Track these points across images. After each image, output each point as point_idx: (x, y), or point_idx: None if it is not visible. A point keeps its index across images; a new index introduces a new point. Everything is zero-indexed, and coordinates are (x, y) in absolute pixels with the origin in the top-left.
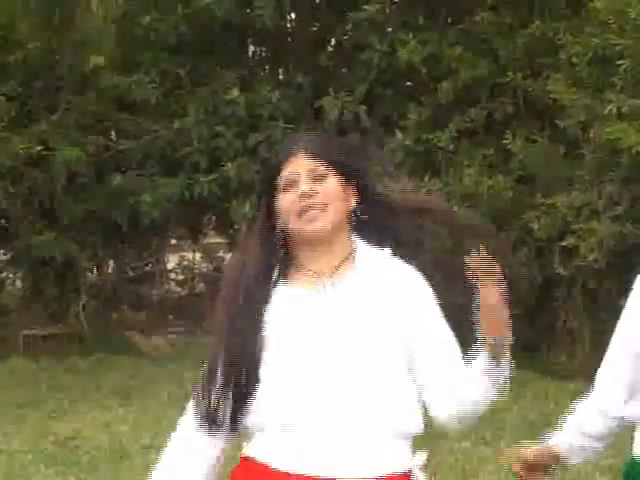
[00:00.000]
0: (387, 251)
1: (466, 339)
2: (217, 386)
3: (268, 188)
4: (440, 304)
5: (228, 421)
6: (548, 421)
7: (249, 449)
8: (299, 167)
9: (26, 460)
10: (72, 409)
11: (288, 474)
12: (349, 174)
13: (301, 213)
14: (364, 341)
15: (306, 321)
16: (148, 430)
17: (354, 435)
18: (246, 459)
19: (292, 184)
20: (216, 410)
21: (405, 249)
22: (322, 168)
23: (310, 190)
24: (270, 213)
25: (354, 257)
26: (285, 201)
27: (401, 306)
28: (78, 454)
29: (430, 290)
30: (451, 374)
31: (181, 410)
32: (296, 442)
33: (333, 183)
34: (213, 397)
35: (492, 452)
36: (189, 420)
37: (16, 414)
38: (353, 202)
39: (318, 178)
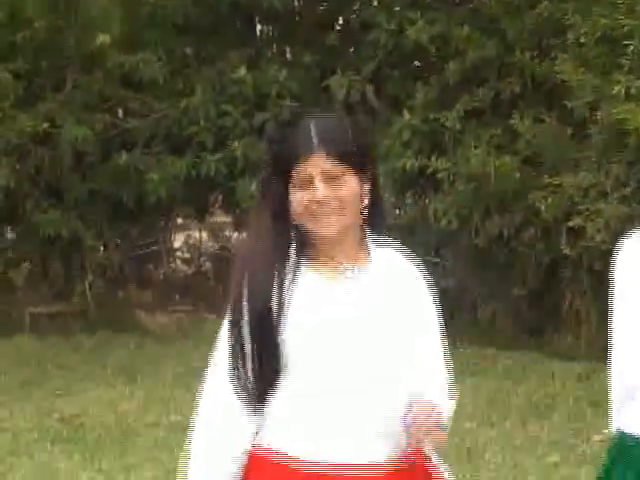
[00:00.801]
0: (391, 247)
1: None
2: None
3: (280, 178)
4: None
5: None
6: (553, 402)
7: (263, 440)
8: (314, 167)
9: (31, 438)
10: (77, 387)
11: (309, 464)
12: (365, 171)
13: (315, 216)
14: (384, 330)
15: (328, 310)
16: (154, 408)
17: (374, 421)
18: (262, 451)
19: (306, 183)
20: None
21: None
22: (339, 168)
23: (325, 196)
24: (282, 202)
25: (368, 248)
26: (298, 200)
27: (409, 300)
28: (83, 432)
29: (428, 290)
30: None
31: (186, 389)
32: (319, 431)
33: (351, 184)
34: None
35: (497, 433)
36: (223, 387)
37: (21, 392)
38: (367, 200)
39: (334, 180)
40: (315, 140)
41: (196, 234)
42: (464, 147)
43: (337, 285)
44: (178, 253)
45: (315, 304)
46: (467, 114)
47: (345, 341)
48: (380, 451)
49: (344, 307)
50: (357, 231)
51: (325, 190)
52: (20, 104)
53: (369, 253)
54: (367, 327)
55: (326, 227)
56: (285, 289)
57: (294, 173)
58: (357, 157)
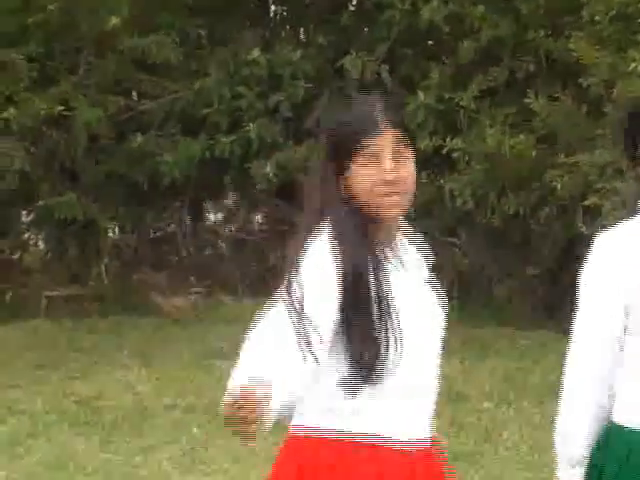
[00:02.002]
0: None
1: None
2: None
3: (343, 152)
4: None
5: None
6: None
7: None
8: (385, 143)
9: (49, 420)
10: (94, 370)
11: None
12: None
13: (383, 196)
14: (438, 308)
15: (406, 289)
16: (170, 390)
17: (432, 399)
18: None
19: (374, 158)
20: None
21: None
22: (405, 149)
23: (396, 176)
24: (338, 177)
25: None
26: (366, 177)
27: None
28: (101, 414)
29: None
30: None
31: (203, 370)
32: (404, 411)
33: (411, 164)
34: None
35: (514, 412)
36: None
37: (38, 375)
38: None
39: (401, 159)
40: (385, 118)
41: (211, 216)
42: (479, 127)
43: (397, 264)
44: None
45: (394, 284)
46: (482, 93)
47: (424, 319)
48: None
49: (415, 285)
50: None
51: (394, 167)
52: (34, 87)
53: (400, 230)
54: (429, 305)
55: (394, 206)
56: (378, 272)
57: (361, 150)
58: (412, 142)
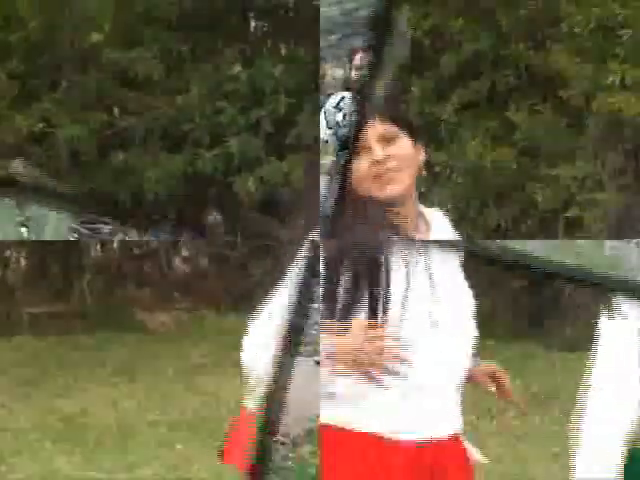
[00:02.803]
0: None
1: None
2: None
3: (345, 155)
4: None
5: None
6: (554, 393)
7: (338, 418)
8: (370, 132)
9: (32, 438)
10: (78, 387)
11: (390, 440)
12: (417, 131)
13: (374, 179)
14: (458, 305)
15: (412, 276)
16: (154, 406)
17: (448, 395)
18: (337, 428)
19: (364, 149)
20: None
21: None
22: (393, 130)
23: (382, 156)
24: (346, 178)
25: (425, 214)
26: (358, 166)
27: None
28: (84, 431)
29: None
30: None
31: (187, 386)
32: (401, 407)
33: (405, 144)
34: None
35: (498, 424)
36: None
37: (22, 392)
38: (422, 157)
39: (390, 141)
40: (368, 107)
41: (194, 231)
42: (460, 140)
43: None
44: (176, 251)
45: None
46: (463, 106)
47: (432, 315)
48: (448, 426)
49: (420, 278)
50: (416, 201)
51: (382, 150)
52: (15, 104)
53: (428, 223)
54: (441, 302)
55: (389, 186)
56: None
57: (354, 145)
58: (410, 121)
